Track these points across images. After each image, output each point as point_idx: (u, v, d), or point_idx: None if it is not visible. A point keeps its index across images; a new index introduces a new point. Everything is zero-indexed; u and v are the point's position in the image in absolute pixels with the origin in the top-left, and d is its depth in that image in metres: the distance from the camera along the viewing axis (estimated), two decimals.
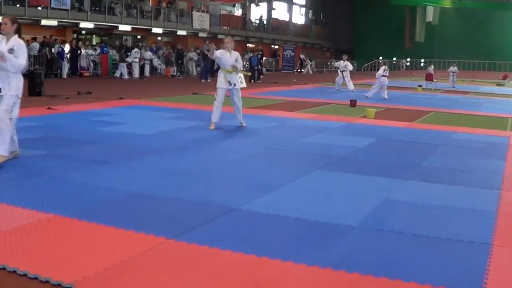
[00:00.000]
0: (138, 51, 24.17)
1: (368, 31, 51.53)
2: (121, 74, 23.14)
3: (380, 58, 48.97)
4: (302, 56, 39.26)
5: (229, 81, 9.01)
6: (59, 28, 24.48)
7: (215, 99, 9.02)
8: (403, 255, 3.57)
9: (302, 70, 38.35)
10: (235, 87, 9.09)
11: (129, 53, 23.80)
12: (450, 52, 46.04)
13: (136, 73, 23.67)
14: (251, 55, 27.40)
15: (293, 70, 38.49)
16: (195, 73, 27.00)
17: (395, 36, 50.30)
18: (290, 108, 12.97)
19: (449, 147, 8.26)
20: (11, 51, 5.63)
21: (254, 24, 40.85)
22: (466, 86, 27.50)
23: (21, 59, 5.70)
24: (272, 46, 43.34)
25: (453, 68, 26.57)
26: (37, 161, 5.92)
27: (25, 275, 3.00)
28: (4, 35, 5.77)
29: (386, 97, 17.25)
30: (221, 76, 9.10)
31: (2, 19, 5.78)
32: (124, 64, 23.29)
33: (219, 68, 9.51)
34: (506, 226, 4.31)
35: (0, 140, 5.63)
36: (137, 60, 23.80)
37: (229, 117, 9.55)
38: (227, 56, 9.02)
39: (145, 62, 25.05)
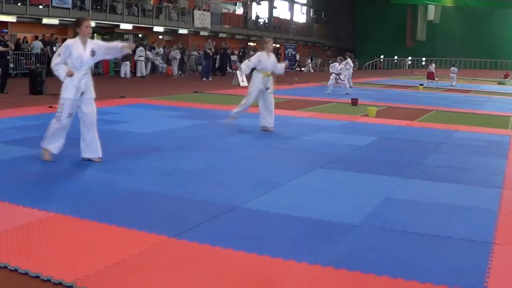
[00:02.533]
0: (143, 49, 24.13)
1: (370, 30, 51.56)
2: (125, 72, 23.13)
3: (382, 56, 49.09)
4: (297, 57, 39.84)
5: (264, 85, 8.75)
6: (61, 27, 24.48)
7: (245, 101, 8.84)
8: (404, 254, 3.57)
9: (303, 69, 38.39)
10: (268, 90, 8.80)
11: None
12: (452, 51, 46.13)
13: (143, 72, 23.64)
14: (252, 53, 27.35)
15: (292, 69, 38.59)
16: (175, 74, 25.20)
17: (396, 34, 50.35)
18: (291, 107, 12.95)
19: (451, 145, 8.25)
20: (93, 53, 5.93)
21: (255, 22, 40.82)
22: (467, 84, 27.48)
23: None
24: (274, 44, 43.32)
25: (454, 69, 26.70)
26: (38, 160, 5.91)
27: (26, 274, 3.00)
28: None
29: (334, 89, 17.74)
30: (258, 77, 8.77)
31: (87, 21, 6.03)
32: (127, 63, 23.26)
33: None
34: (507, 224, 4.31)
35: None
36: (142, 58, 23.77)
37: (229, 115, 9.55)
38: (266, 58, 8.83)
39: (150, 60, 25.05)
